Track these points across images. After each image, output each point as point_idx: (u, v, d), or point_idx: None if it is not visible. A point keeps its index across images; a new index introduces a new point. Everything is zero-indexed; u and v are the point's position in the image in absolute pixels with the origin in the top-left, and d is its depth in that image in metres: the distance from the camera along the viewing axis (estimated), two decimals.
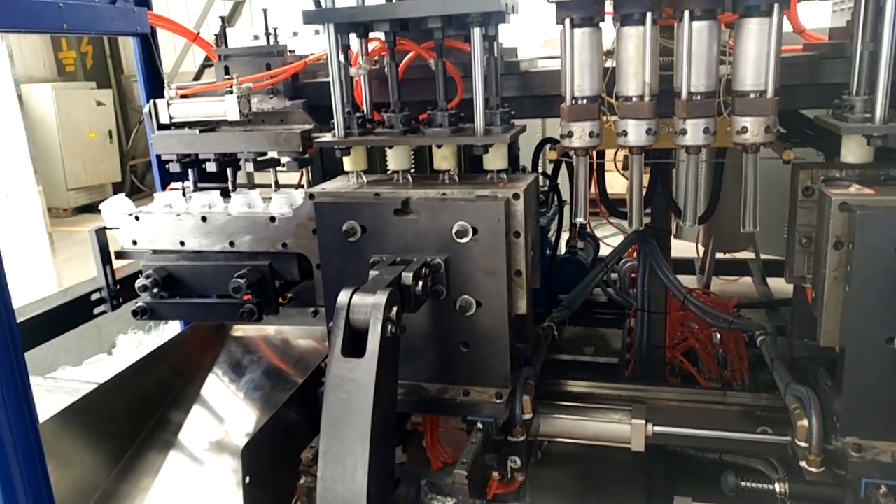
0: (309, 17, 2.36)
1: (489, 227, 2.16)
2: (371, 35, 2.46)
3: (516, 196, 2.20)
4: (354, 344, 1.93)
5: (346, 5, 2.35)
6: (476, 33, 2.19)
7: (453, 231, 2.18)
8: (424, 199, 2.26)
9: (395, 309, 1.94)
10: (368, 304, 1.92)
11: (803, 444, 2.18)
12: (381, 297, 1.92)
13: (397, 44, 2.41)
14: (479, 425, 2.31)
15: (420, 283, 2.10)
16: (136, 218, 2.71)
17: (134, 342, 5.84)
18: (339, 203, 2.34)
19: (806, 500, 2.21)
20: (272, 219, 2.54)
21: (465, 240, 2.18)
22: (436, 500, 2.16)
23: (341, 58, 2.39)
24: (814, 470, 2.14)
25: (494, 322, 2.24)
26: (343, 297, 1.95)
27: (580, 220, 2.40)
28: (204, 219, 2.62)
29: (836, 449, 2.05)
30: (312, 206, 2.37)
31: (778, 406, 2.43)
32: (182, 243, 2.67)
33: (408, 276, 2.08)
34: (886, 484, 1.91)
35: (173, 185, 3.03)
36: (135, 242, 2.74)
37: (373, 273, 2.14)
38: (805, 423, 2.19)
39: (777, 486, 2.18)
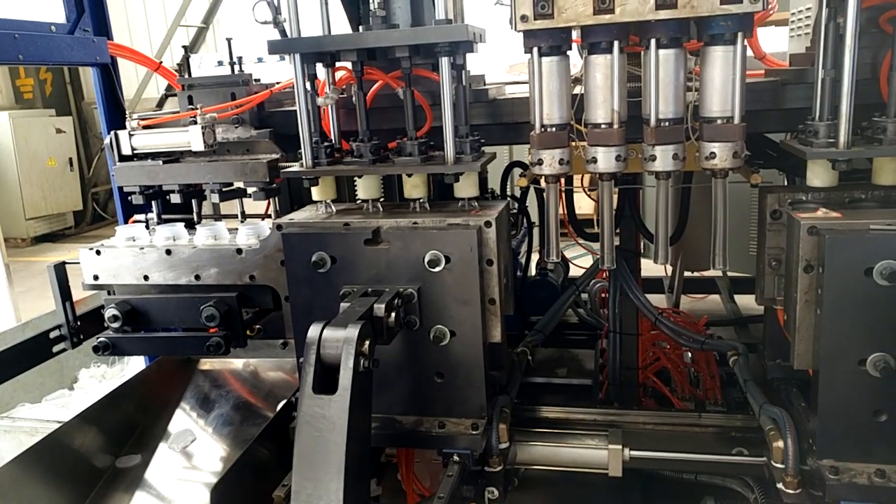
0: (275, 48, 2.33)
1: (462, 255, 2.14)
2: (338, 64, 2.44)
3: (488, 224, 2.19)
4: (326, 379, 1.88)
5: (312, 34, 2.32)
6: (444, 62, 2.19)
7: (425, 260, 2.16)
8: (395, 228, 2.23)
9: (367, 343, 1.90)
10: (340, 339, 1.87)
11: (779, 466, 2.19)
12: (352, 331, 1.88)
13: (365, 73, 2.40)
14: (456, 458, 2.27)
15: (392, 315, 2.07)
16: (98, 252, 2.62)
17: (97, 376, 5.65)
18: (308, 234, 2.31)
19: None
20: (239, 251, 2.49)
21: (437, 269, 2.15)
22: None
23: (308, 87, 2.36)
24: (791, 492, 2.15)
25: (469, 351, 2.21)
26: (314, 331, 1.91)
27: (553, 258, 2.40)
28: (168, 252, 2.55)
29: (813, 470, 2.06)
30: (280, 236, 2.33)
31: (753, 426, 2.44)
32: (146, 277, 2.59)
33: (380, 308, 2.04)
34: None
35: (136, 217, 2.95)
36: (96, 277, 2.65)
37: (344, 305, 2.09)
38: (780, 444, 2.20)
39: None
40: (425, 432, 2.27)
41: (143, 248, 2.59)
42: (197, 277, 2.55)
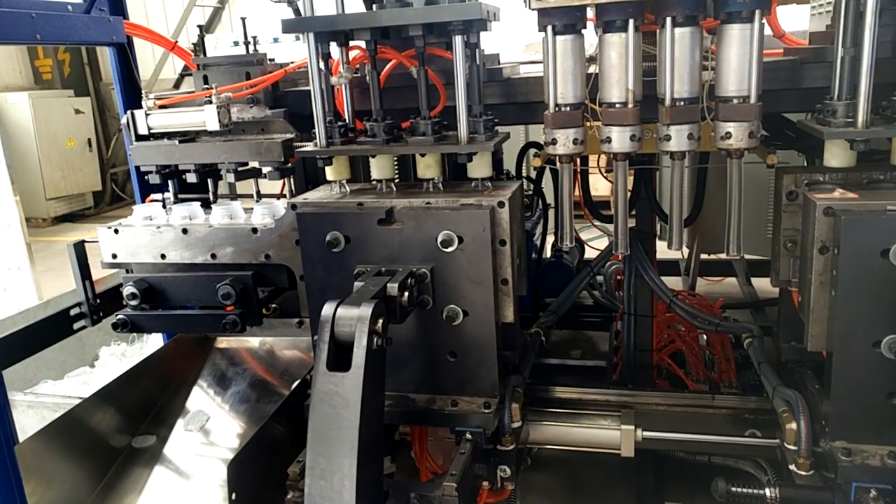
0: (288, 26, 2.33)
1: (474, 235, 2.14)
2: (352, 43, 2.43)
3: (501, 204, 2.19)
4: (339, 357, 1.90)
5: (326, 13, 2.31)
6: (458, 41, 2.17)
7: (438, 240, 2.16)
8: (409, 208, 2.23)
9: (380, 321, 1.91)
10: (354, 317, 1.89)
11: (792, 448, 2.19)
12: (366, 310, 1.88)
13: (378, 52, 2.39)
14: (468, 436, 2.28)
15: (406, 294, 2.07)
16: (116, 231, 2.65)
17: (117, 354, 5.74)
18: (322, 213, 2.31)
19: (796, 503, 2.21)
20: (254, 230, 2.51)
21: (450, 249, 2.16)
22: None
23: (322, 66, 2.36)
24: (803, 473, 2.15)
25: (482, 331, 2.22)
26: (328, 309, 1.92)
27: (566, 244, 2.40)
28: (185, 231, 2.57)
29: (826, 452, 2.05)
30: (295, 216, 2.34)
31: (766, 409, 2.44)
32: (163, 256, 2.62)
33: (393, 287, 2.05)
34: (876, 487, 1.91)
35: (153, 196, 2.98)
36: (114, 256, 2.68)
37: (357, 284, 2.10)
38: (794, 426, 2.20)
39: (767, 492, 2.18)
40: (438, 410, 2.29)
41: (160, 227, 2.61)
42: (213, 256, 2.56)
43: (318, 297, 2.25)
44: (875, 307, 1.87)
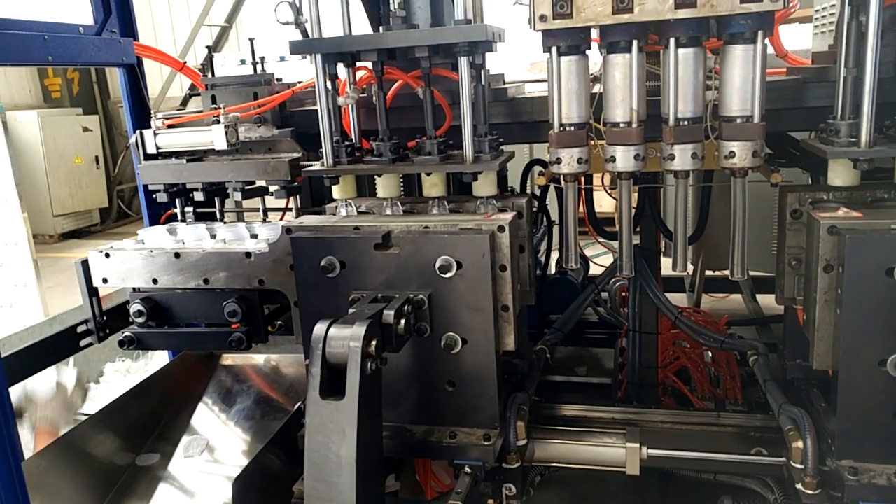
0: (296, 48, 2.36)
1: (474, 261, 2.08)
2: (358, 64, 2.46)
3: (501, 229, 2.12)
4: (332, 382, 1.83)
5: (333, 35, 2.35)
6: (463, 62, 2.20)
7: (436, 266, 2.09)
8: (406, 232, 2.17)
9: (374, 342, 1.84)
10: (346, 337, 1.81)
11: (798, 466, 2.18)
12: (358, 330, 1.81)
13: (385, 72, 2.42)
14: (467, 469, 2.21)
15: (402, 321, 1.99)
16: (107, 255, 2.62)
17: (122, 370, 5.72)
18: (316, 238, 2.25)
19: None
20: (248, 254, 2.46)
21: (448, 275, 2.09)
22: None
23: (329, 87, 2.39)
24: (810, 492, 2.14)
25: (481, 360, 2.15)
26: (319, 329, 1.85)
27: (571, 265, 2.39)
28: (177, 255, 2.53)
29: (832, 471, 2.05)
30: (289, 240, 2.29)
31: (772, 427, 2.43)
32: (155, 280, 2.58)
33: (389, 314, 1.96)
34: None
35: (173, 211, 2.97)
36: (105, 281, 2.65)
37: (352, 311, 2.03)
38: (800, 444, 2.19)
39: None
40: (436, 442, 2.22)
41: (152, 251, 2.57)
42: (206, 281, 2.52)
43: (312, 324, 2.13)
44: (880, 326, 1.87)
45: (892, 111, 2.09)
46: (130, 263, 2.59)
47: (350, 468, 1.77)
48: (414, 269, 2.13)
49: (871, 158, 1.99)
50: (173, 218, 2.96)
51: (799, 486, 2.18)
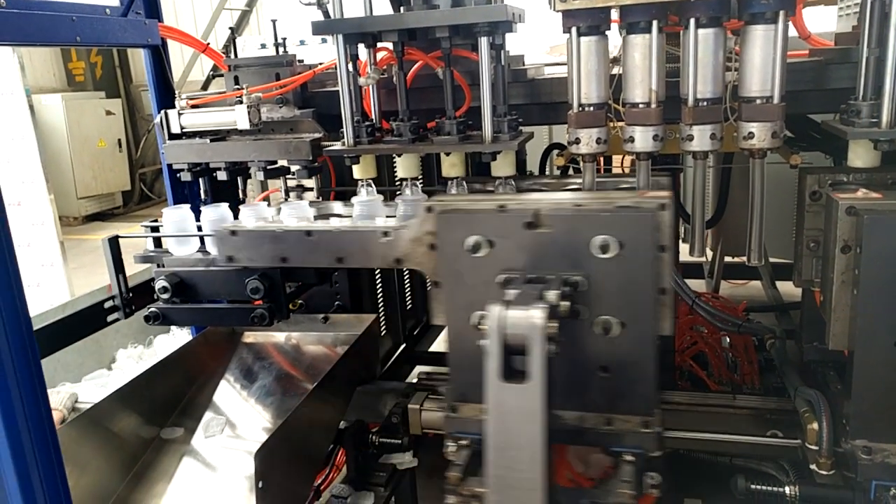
0: (318, 28, 2.39)
1: (636, 240, 1.96)
2: (379, 45, 2.49)
3: (663, 207, 1.98)
4: (509, 364, 1.78)
5: (354, 16, 2.37)
6: (483, 42, 2.22)
7: (595, 245, 1.98)
8: (557, 210, 2.06)
9: (555, 325, 1.77)
10: (526, 322, 1.75)
11: (813, 448, 2.20)
12: (540, 314, 1.74)
13: (405, 53, 2.44)
14: (629, 457, 2.08)
15: (565, 304, 1.88)
16: (233, 233, 2.49)
17: (134, 357, 5.73)
18: (464, 216, 2.15)
19: (816, 502, 2.22)
20: (385, 233, 2.32)
21: (608, 255, 1.97)
22: None
23: (350, 67, 2.42)
24: (824, 473, 2.16)
25: (639, 344, 2.05)
26: (496, 312, 1.78)
27: None
28: (308, 234, 2.40)
29: (846, 452, 2.06)
30: (429, 218, 2.19)
31: (788, 409, 2.44)
32: (283, 260, 2.46)
33: (554, 295, 1.86)
34: None
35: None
36: (230, 259, 2.52)
37: (511, 292, 1.92)
38: (815, 426, 2.21)
39: (787, 489, 2.19)
40: (591, 429, 2.13)
41: (281, 230, 2.44)
42: (339, 260, 2.40)
43: (456, 304, 2.16)
44: None
45: None
46: (258, 242, 2.50)
47: (538, 453, 1.73)
48: (567, 248, 2.03)
49: (892, 139, 1.99)
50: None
51: (813, 466, 2.20)
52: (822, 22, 3.43)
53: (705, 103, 2.10)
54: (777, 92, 2.03)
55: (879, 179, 2.15)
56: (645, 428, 2.09)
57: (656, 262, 1.99)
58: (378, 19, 2.34)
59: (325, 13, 2.66)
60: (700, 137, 2.12)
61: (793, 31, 2.52)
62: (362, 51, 2.48)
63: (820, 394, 2.28)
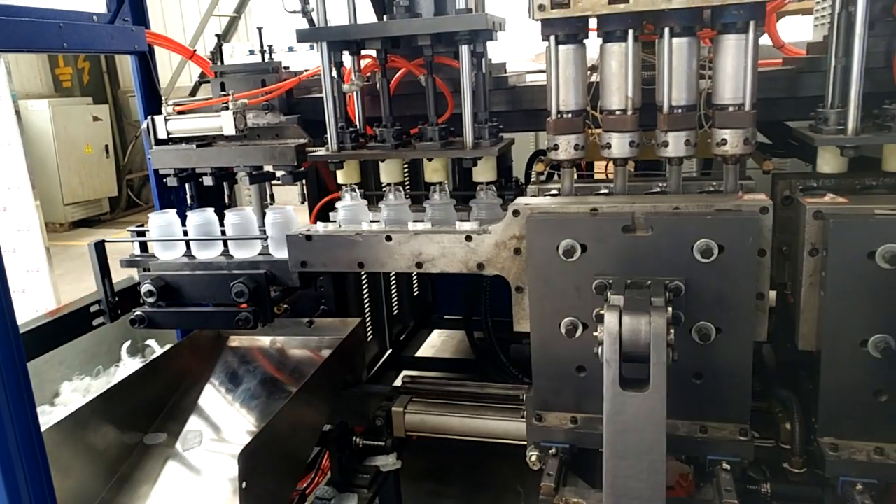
0: (303, 36, 2.43)
1: (737, 244, 1.96)
2: (363, 52, 2.53)
3: (764, 210, 1.99)
4: (625, 370, 1.78)
5: (339, 23, 2.42)
6: (464, 51, 2.27)
7: (696, 250, 1.97)
8: (655, 213, 2.05)
9: (673, 332, 1.76)
10: (645, 328, 1.74)
11: (786, 447, 2.25)
12: (661, 319, 1.72)
13: (388, 60, 2.49)
14: (725, 465, 2.10)
15: (671, 310, 1.83)
16: (308, 238, 2.45)
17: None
18: (556, 220, 2.13)
19: (788, 499, 2.28)
20: (468, 238, 2.30)
21: (709, 259, 1.96)
22: None
23: (334, 74, 2.46)
24: (796, 471, 2.22)
25: (736, 351, 2.03)
26: (612, 319, 1.77)
27: None
28: (388, 238, 2.37)
29: (815, 450, 2.11)
30: (514, 223, 2.20)
31: (763, 409, 2.49)
32: (360, 265, 2.43)
33: (659, 301, 1.83)
34: (862, 481, 1.97)
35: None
36: (304, 264, 2.48)
37: (616, 298, 1.89)
38: (787, 426, 2.26)
39: (762, 487, 2.25)
40: (687, 437, 2.13)
41: (359, 234, 2.40)
42: (419, 265, 2.37)
43: (543, 311, 2.16)
44: (862, 307, 1.93)
45: (883, 100, 2.14)
46: (336, 247, 2.44)
47: (658, 462, 1.74)
48: (665, 253, 2.02)
49: (858, 146, 2.05)
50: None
51: (785, 465, 2.26)
52: (801, 31, 3.51)
53: (680, 110, 2.15)
54: (749, 99, 2.09)
55: (848, 185, 2.22)
56: (742, 436, 2.09)
57: (757, 267, 1.99)
58: (362, 27, 2.38)
59: (310, 21, 2.70)
60: (675, 143, 2.17)
61: (768, 41, 2.60)
62: (346, 58, 2.52)
63: (792, 394, 2.33)
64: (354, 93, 2.55)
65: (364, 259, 2.40)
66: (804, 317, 2.06)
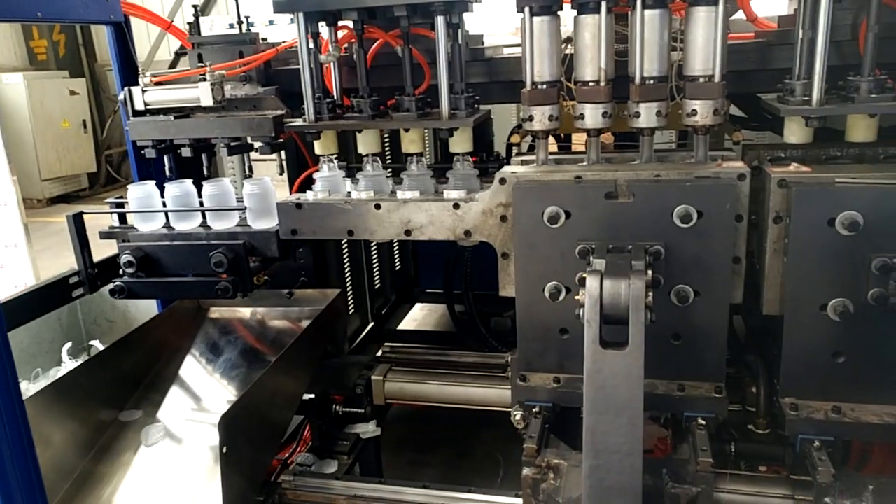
0: (280, 6, 2.43)
1: (715, 210, 2.03)
2: (340, 23, 2.54)
3: (742, 177, 2.07)
4: (606, 332, 1.85)
5: None
6: (440, 21, 2.28)
7: (676, 215, 2.05)
8: (636, 181, 2.12)
9: (651, 294, 1.83)
10: (624, 292, 1.81)
11: (752, 409, 2.34)
12: (639, 283, 1.80)
13: (365, 31, 2.50)
14: (701, 421, 2.19)
15: (650, 273, 1.91)
16: (298, 206, 2.49)
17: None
18: (542, 187, 2.18)
19: (750, 457, 2.37)
20: (456, 205, 2.35)
21: (688, 224, 2.04)
22: (677, 488, 2.06)
23: (311, 45, 2.47)
24: (760, 432, 2.30)
25: (713, 313, 2.12)
26: (593, 282, 1.84)
27: None
28: (378, 206, 2.41)
29: (777, 411, 2.20)
30: (500, 190, 2.26)
31: (731, 374, 2.56)
32: (350, 232, 2.47)
33: (639, 265, 1.90)
34: (820, 439, 2.05)
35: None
36: (294, 232, 2.53)
37: (598, 261, 1.97)
38: (753, 389, 2.34)
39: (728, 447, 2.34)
40: (664, 395, 2.21)
41: (348, 202, 2.45)
42: (407, 233, 2.41)
43: (528, 276, 2.22)
44: (822, 272, 2.00)
45: (848, 73, 2.19)
46: (325, 215, 2.48)
47: (637, 417, 1.82)
48: (646, 218, 2.09)
49: (823, 116, 2.10)
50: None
51: (750, 426, 2.34)
52: (779, 5, 3.55)
53: (652, 82, 2.19)
54: (718, 71, 2.13)
55: (814, 155, 2.27)
56: (717, 393, 2.18)
57: (734, 232, 2.08)
58: None
59: None
60: (647, 114, 2.21)
61: (741, 14, 2.64)
62: (324, 29, 2.53)
63: (759, 359, 2.41)
64: (332, 64, 2.56)
65: (354, 227, 2.45)
66: (768, 282, 2.13)
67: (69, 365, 4.89)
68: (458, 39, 2.42)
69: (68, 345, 5.02)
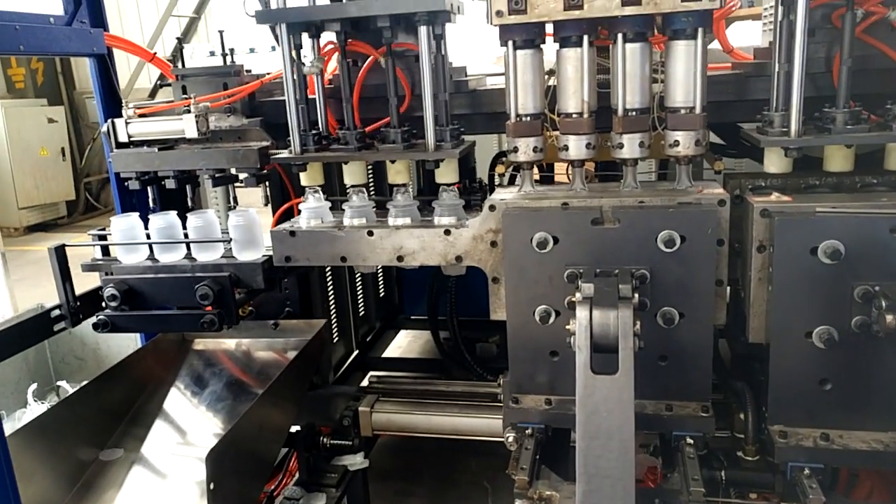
0: (262, 17, 2.43)
1: (697, 235, 2.12)
2: (324, 38, 2.54)
3: (722, 202, 2.16)
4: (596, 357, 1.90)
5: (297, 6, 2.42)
6: (423, 31, 2.30)
7: (660, 240, 2.13)
8: (620, 207, 2.21)
9: (639, 322, 1.91)
10: (613, 320, 1.88)
11: (740, 436, 2.35)
12: (628, 312, 1.87)
13: (349, 45, 2.51)
14: (689, 440, 2.25)
15: (636, 297, 1.99)
16: (292, 234, 2.56)
17: None
18: (530, 214, 2.26)
19: (741, 484, 2.37)
20: (447, 231, 2.42)
21: (672, 249, 2.12)
22: None
23: (294, 56, 2.47)
24: (749, 458, 2.31)
25: (698, 334, 2.19)
26: (582, 311, 1.91)
27: None
28: (370, 233, 2.47)
29: (766, 438, 2.21)
30: (490, 217, 2.33)
31: (719, 401, 2.58)
32: (343, 259, 2.52)
33: (626, 289, 1.98)
34: (809, 466, 2.07)
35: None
36: (288, 259, 2.58)
37: (586, 286, 2.02)
38: (741, 416, 2.36)
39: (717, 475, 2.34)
40: (654, 415, 2.27)
41: (342, 229, 2.50)
42: (399, 259, 2.46)
43: (518, 299, 2.29)
44: (806, 300, 2.03)
45: (823, 104, 2.25)
46: (318, 242, 2.53)
47: (628, 440, 1.85)
48: (631, 243, 2.16)
49: (801, 147, 2.15)
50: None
51: (740, 453, 2.35)
52: (751, 36, 3.63)
53: (634, 113, 2.23)
54: (699, 102, 2.17)
55: (794, 184, 2.32)
56: (704, 412, 2.24)
57: (716, 256, 2.15)
58: (321, 8, 2.40)
59: (267, 3, 2.68)
60: (630, 145, 2.25)
61: (718, 46, 2.70)
62: (306, 41, 2.52)
63: (746, 385, 2.43)
64: (317, 90, 2.56)
65: (346, 253, 2.50)
66: (754, 311, 2.16)
67: (35, 408, 4.75)
68: (441, 50, 2.42)
69: (33, 386, 4.86)
